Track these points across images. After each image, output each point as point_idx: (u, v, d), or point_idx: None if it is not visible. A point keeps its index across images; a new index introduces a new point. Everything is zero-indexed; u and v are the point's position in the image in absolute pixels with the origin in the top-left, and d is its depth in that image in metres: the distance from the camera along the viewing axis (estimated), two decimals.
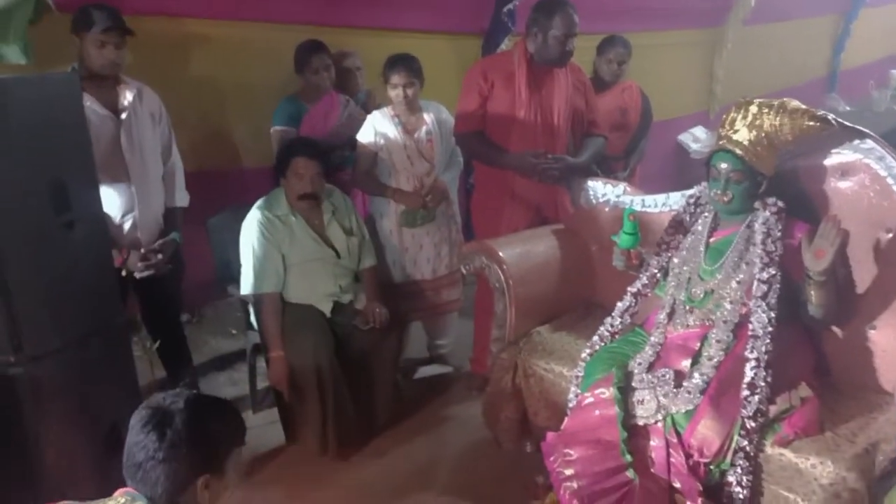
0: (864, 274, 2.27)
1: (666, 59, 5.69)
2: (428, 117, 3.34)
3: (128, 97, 2.77)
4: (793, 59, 7.03)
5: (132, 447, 1.38)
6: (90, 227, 2.34)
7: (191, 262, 3.19)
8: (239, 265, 3.04)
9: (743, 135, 2.19)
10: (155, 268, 2.80)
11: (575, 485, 2.12)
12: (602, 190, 2.94)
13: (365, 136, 3.31)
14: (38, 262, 2.17)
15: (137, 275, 2.78)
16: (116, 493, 1.38)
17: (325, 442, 2.93)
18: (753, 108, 2.19)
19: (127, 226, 2.79)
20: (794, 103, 2.15)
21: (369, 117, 3.35)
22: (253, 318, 3.11)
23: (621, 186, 2.92)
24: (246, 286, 2.98)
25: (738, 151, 2.18)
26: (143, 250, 2.79)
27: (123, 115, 2.75)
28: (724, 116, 2.26)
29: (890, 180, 2.17)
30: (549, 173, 2.98)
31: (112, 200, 2.72)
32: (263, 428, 3.14)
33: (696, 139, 6.34)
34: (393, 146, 3.28)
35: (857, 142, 2.23)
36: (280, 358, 2.90)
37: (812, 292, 2.14)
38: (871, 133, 2.22)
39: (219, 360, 3.87)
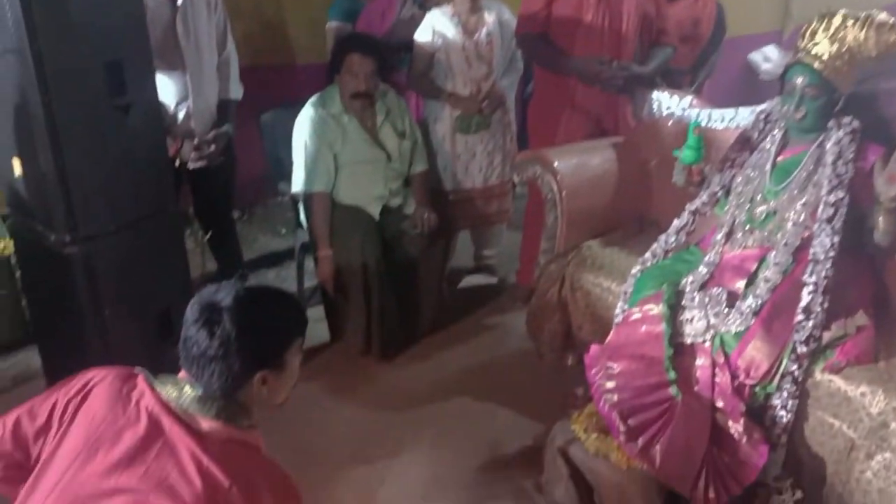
0: None
1: None
2: (489, 17, 3.21)
3: None
4: None
5: (186, 342, 1.33)
6: (145, 113, 2.34)
7: (243, 159, 3.20)
8: (290, 163, 3.03)
9: (823, 48, 2.05)
10: (208, 159, 2.81)
11: (615, 398, 2.10)
12: (667, 102, 2.82)
13: (423, 35, 3.21)
14: (94, 145, 2.19)
15: (190, 165, 2.79)
16: (180, 375, 1.36)
17: (368, 342, 2.97)
18: (837, 20, 2.04)
19: (181, 115, 2.80)
20: (883, 16, 2.00)
21: (428, 16, 3.24)
22: (302, 217, 3.12)
23: (688, 99, 2.80)
24: (297, 184, 2.98)
25: (817, 65, 2.04)
26: (196, 140, 2.79)
27: (179, 2, 2.71)
28: (805, 27, 2.11)
29: None
30: (613, 82, 2.86)
31: (167, 88, 2.71)
32: (309, 324, 3.14)
33: (768, 59, 6.03)
34: (451, 47, 3.17)
35: None
36: (328, 257, 2.92)
37: (880, 219, 2.03)
38: None
39: (268, 258, 3.93)
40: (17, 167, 2.27)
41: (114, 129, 2.22)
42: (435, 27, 3.18)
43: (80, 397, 1.32)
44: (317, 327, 3.16)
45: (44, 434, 1.31)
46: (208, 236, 3.05)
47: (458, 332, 3.23)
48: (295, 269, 3.41)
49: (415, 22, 3.32)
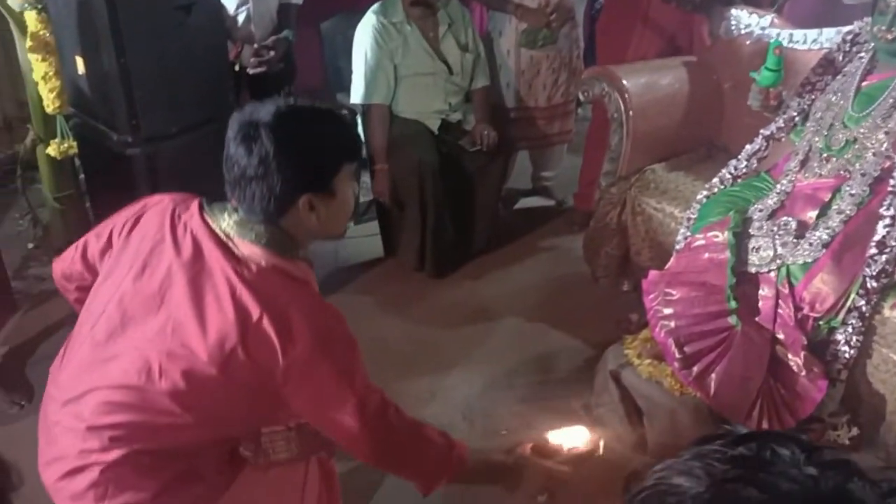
0: None
1: None
2: None
3: None
4: None
5: (226, 162, 1.23)
6: (206, 14, 2.31)
7: (301, 68, 3.15)
8: (350, 74, 2.98)
9: None
10: (267, 64, 2.77)
11: (672, 324, 2.07)
12: (746, 20, 2.66)
13: None
14: (155, 46, 2.17)
15: (250, 70, 2.76)
16: (231, 201, 1.28)
17: (422, 258, 2.97)
18: None
19: (241, 18, 2.76)
20: None
21: None
22: (360, 129, 3.08)
23: (768, 17, 2.64)
24: (356, 95, 2.94)
25: None
26: (256, 45, 2.76)
27: None
28: None
29: None
30: None
31: None
32: (364, 240, 3.21)
33: None
34: None
35: None
36: (384, 171, 2.90)
37: None
38: None
39: None
40: (80, 66, 2.27)
41: (176, 29, 2.20)
42: None
43: (135, 217, 1.32)
44: (371, 242, 3.17)
45: (106, 252, 1.33)
46: None
47: (513, 253, 3.20)
48: None
49: None
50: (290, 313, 1.19)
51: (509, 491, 1.47)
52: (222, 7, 2.54)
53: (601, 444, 1.52)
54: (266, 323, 1.17)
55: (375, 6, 2.91)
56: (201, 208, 1.28)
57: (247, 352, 1.17)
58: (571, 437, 1.51)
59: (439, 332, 2.70)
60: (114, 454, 1.20)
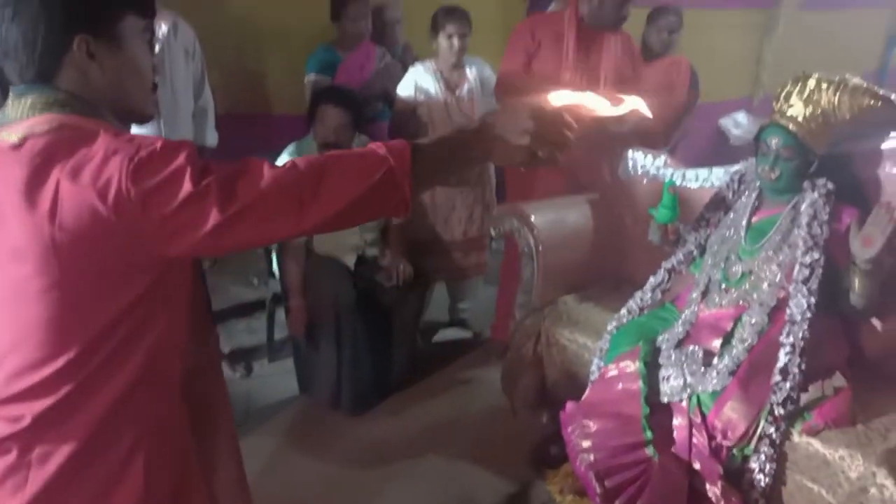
0: None
1: (712, 40, 5.53)
2: (470, 74, 3.26)
3: (162, 29, 2.72)
4: (844, 51, 6.81)
5: None
6: None
7: None
8: None
9: (797, 110, 2.08)
10: None
11: (591, 457, 2.06)
12: (642, 161, 2.84)
13: (405, 89, 3.24)
14: None
15: None
16: None
17: (338, 396, 2.91)
18: (811, 83, 2.08)
19: None
20: (856, 80, 2.04)
21: (411, 70, 3.27)
22: (275, 266, 3.07)
23: (662, 158, 2.83)
24: None
25: (792, 127, 2.07)
26: None
27: (156, 48, 2.69)
28: (780, 90, 2.15)
29: None
30: (590, 140, 2.89)
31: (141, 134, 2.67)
32: (278, 377, 3.13)
33: (738, 124, 6.18)
34: (433, 102, 3.21)
35: None
36: (300, 307, 2.87)
37: (856, 281, 2.04)
38: None
39: (238, 308, 3.86)
40: None
41: None
42: (417, 82, 3.21)
43: None
44: (285, 379, 3.09)
45: None
46: None
47: (431, 387, 3.17)
48: (265, 321, 3.35)
49: (390, 72, 3.34)
50: (93, 157, 0.98)
51: (502, 153, 1.17)
52: None
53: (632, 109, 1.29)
54: (66, 188, 0.97)
55: (290, 146, 2.98)
56: None
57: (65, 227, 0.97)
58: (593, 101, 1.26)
59: (357, 473, 2.61)
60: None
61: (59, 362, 1.03)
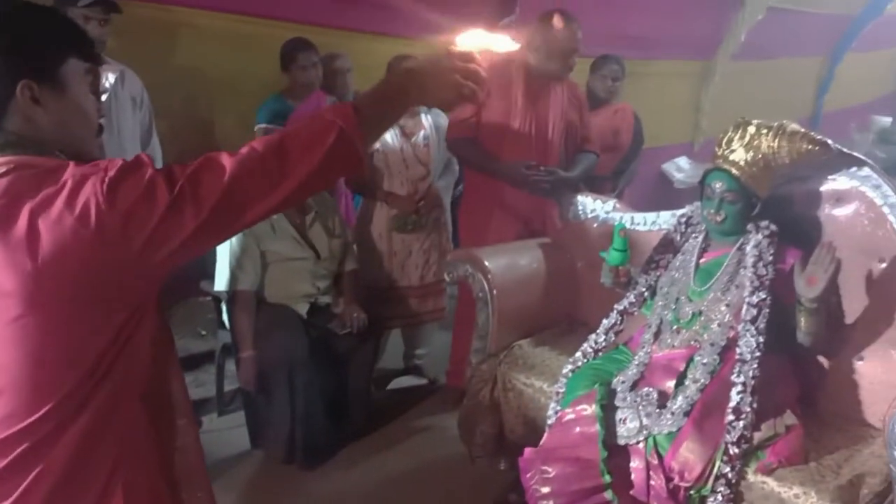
0: (854, 303, 2.24)
1: (654, 88, 5.71)
2: (426, 122, 3.31)
3: (109, 79, 2.69)
4: (778, 98, 7.10)
5: None
6: None
7: None
8: (214, 261, 2.95)
9: (739, 155, 2.16)
10: None
11: (551, 503, 2.05)
12: (591, 205, 2.89)
13: None
14: None
15: None
16: None
17: (292, 449, 2.84)
18: (752, 129, 2.16)
19: None
20: (794, 126, 2.13)
21: None
22: (225, 317, 3.01)
23: (611, 202, 2.88)
24: (221, 282, 2.89)
25: (734, 171, 2.14)
26: None
27: (103, 97, 2.66)
28: (721, 135, 2.23)
29: (885, 209, 2.15)
30: (540, 185, 2.94)
31: None
32: (228, 432, 3.05)
33: (680, 169, 6.36)
34: (389, 149, 3.24)
35: (853, 169, 2.21)
36: (251, 358, 2.81)
37: (802, 319, 2.10)
38: (869, 161, 2.20)
39: (186, 361, 3.75)
40: None
41: None
42: None
43: None
44: (236, 434, 3.01)
45: None
46: None
47: (387, 437, 3.12)
48: (214, 374, 3.27)
49: None
50: (61, 191, 1.00)
51: (433, 95, 1.25)
52: None
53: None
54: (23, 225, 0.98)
55: None
56: None
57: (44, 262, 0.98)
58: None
59: None
60: None
61: (44, 408, 1.03)
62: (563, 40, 2.93)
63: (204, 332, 4.02)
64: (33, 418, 1.03)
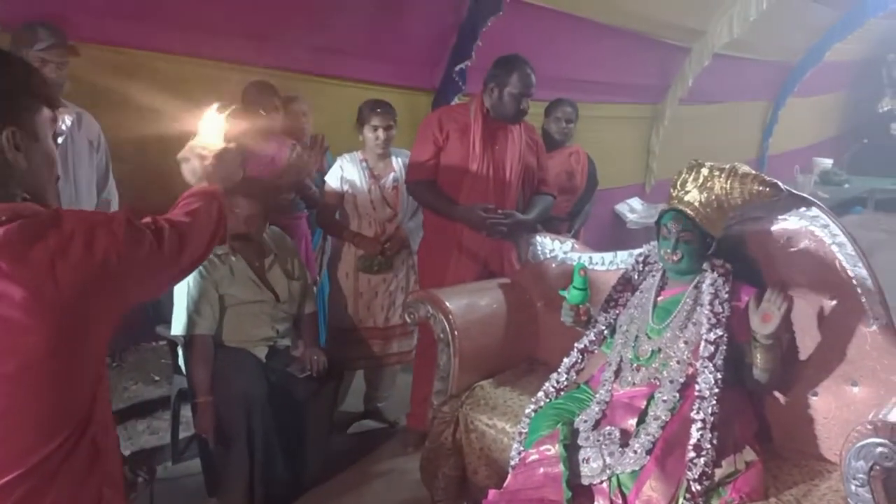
0: (807, 340, 2.30)
1: (606, 131, 5.85)
2: (396, 164, 3.34)
3: (66, 122, 2.67)
4: (725, 140, 7.34)
5: None
6: None
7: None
8: (170, 305, 2.89)
9: (694, 196, 2.22)
10: None
11: None
12: (550, 245, 2.93)
13: (332, 178, 3.32)
14: None
15: None
16: None
17: (251, 497, 2.76)
18: (705, 171, 2.23)
19: None
20: (745, 168, 2.20)
21: (338, 160, 3.35)
22: (181, 361, 2.95)
23: (569, 243, 2.93)
24: (178, 326, 2.83)
25: (689, 212, 2.20)
26: None
27: (59, 140, 2.63)
28: (675, 177, 2.29)
29: (834, 248, 2.22)
30: (498, 228, 2.97)
31: None
32: (184, 480, 2.96)
33: (633, 210, 6.50)
34: (358, 190, 3.28)
35: (803, 209, 2.28)
36: (208, 403, 2.74)
37: (758, 355, 2.15)
38: (817, 201, 2.28)
39: (139, 407, 3.66)
40: None
41: None
42: (343, 173, 3.29)
43: None
44: (192, 482, 2.92)
45: None
46: None
47: (348, 481, 3.06)
48: (169, 420, 3.18)
49: (302, 164, 3.35)
50: (70, 240, 1.13)
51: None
52: None
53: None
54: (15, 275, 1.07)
55: None
56: None
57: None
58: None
59: None
60: None
61: (51, 445, 1.13)
62: (514, 85, 2.99)
63: (157, 378, 3.93)
64: (37, 458, 1.12)
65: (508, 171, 3.10)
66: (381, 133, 3.24)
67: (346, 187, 3.28)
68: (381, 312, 3.34)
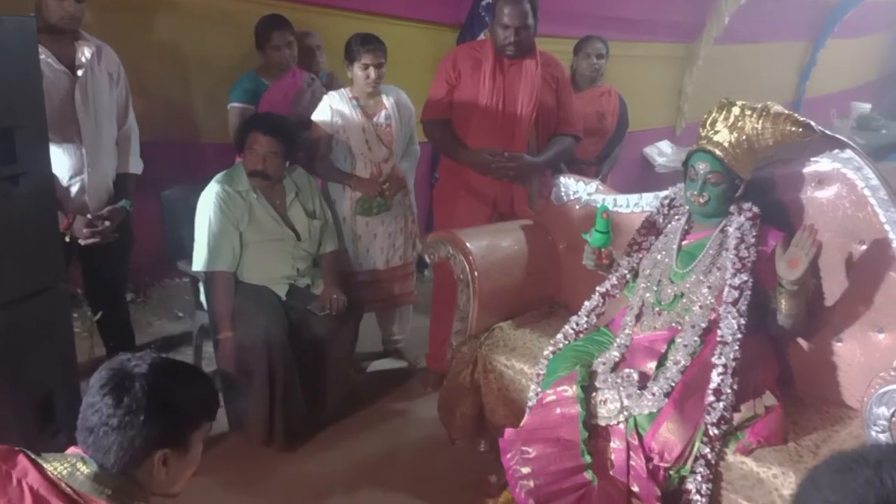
0: (833, 286, 2.25)
1: (637, 71, 5.68)
2: (387, 101, 3.22)
3: (86, 54, 2.64)
4: (761, 82, 7.10)
5: (86, 409, 1.24)
6: (36, 185, 2.20)
7: (141, 238, 3.05)
8: (192, 242, 2.90)
9: (723, 136, 2.15)
10: (101, 235, 2.66)
11: (531, 483, 2.04)
12: (574, 187, 2.88)
13: (321, 115, 3.16)
14: None
15: (82, 241, 2.64)
16: (69, 451, 1.25)
17: (270, 431, 2.81)
18: (736, 110, 2.15)
19: (75, 189, 2.65)
20: (777, 107, 2.12)
21: (325, 98, 3.20)
22: (203, 297, 2.97)
23: (593, 184, 2.87)
24: (198, 262, 2.85)
25: (718, 152, 2.13)
26: (89, 215, 2.65)
27: (80, 73, 2.61)
28: (706, 116, 2.21)
29: (867, 191, 2.15)
30: (504, 172, 2.92)
31: (61, 161, 2.58)
32: None
33: (662, 153, 6.36)
34: (351, 129, 3.14)
35: (836, 151, 2.21)
36: (229, 339, 2.77)
37: (783, 301, 2.10)
38: (851, 143, 2.20)
39: (162, 342, 3.71)
40: None
41: (1, 200, 2.07)
42: (333, 108, 3.15)
43: None
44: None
45: None
46: (97, 318, 2.86)
47: (366, 419, 3.10)
48: (192, 355, 3.23)
49: (314, 99, 3.30)
50: None
51: None
52: (54, 177, 2.43)
53: None
54: None
55: (219, 175, 2.90)
56: (33, 461, 1.21)
57: None
58: None
59: None
60: None
61: None
62: (503, 17, 2.90)
63: (181, 314, 3.98)
64: None
65: (519, 109, 3.00)
66: (371, 72, 3.07)
67: (337, 123, 3.14)
68: (381, 255, 3.29)
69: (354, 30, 3.23)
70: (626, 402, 2.07)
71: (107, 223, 2.68)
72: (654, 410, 2.03)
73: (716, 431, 1.97)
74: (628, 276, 2.41)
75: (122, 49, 2.86)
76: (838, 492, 0.61)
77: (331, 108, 3.15)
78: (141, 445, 1.22)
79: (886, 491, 0.58)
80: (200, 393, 1.34)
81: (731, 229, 2.20)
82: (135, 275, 3.22)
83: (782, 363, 2.29)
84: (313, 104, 3.26)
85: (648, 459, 2.01)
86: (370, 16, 3.96)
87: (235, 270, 2.88)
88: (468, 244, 2.65)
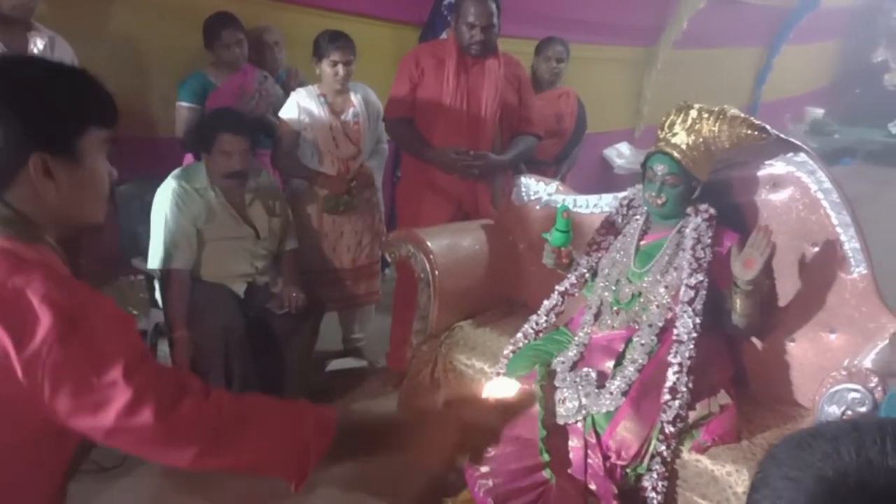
0: (787, 286, 2.29)
1: (597, 74, 5.74)
2: (355, 99, 3.20)
3: (38, 45, 2.57)
4: (717, 86, 7.23)
5: None
6: None
7: (91, 235, 2.97)
8: (146, 239, 2.85)
9: (681, 138, 2.18)
10: None
11: (490, 482, 2.05)
12: (535, 187, 2.89)
13: (288, 112, 3.13)
14: None
15: None
16: None
17: None
18: (693, 113, 2.18)
19: None
20: (734, 111, 2.15)
21: (293, 94, 3.17)
22: (158, 295, 2.92)
23: (554, 185, 2.89)
24: (154, 260, 2.79)
25: (676, 154, 2.16)
26: None
27: None
28: (664, 119, 2.24)
29: (819, 194, 2.20)
30: (469, 171, 2.93)
31: None
32: None
33: (621, 154, 6.43)
34: (318, 126, 3.12)
35: (790, 155, 2.25)
36: (185, 338, 2.72)
37: (737, 301, 2.14)
38: (805, 147, 2.25)
39: None
40: None
41: None
42: (301, 105, 3.12)
43: None
44: None
45: None
46: None
47: None
48: None
49: (269, 98, 3.26)
50: (22, 298, 0.95)
51: (421, 456, 1.21)
52: None
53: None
54: None
55: (176, 172, 2.84)
56: None
57: None
58: (499, 389, 1.28)
59: None
60: None
61: None
62: (466, 15, 2.91)
63: (135, 312, 3.89)
64: None
65: (484, 108, 3.01)
66: (340, 69, 3.06)
67: (304, 120, 3.11)
68: (348, 253, 3.26)
69: (316, 25, 3.19)
70: (584, 400, 2.09)
71: None
72: (612, 409, 2.05)
73: (671, 430, 2.00)
74: (587, 275, 2.43)
75: (76, 41, 2.78)
76: (797, 466, 0.62)
77: (298, 105, 3.12)
78: (5, 146, 1.01)
79: (844, 464, 0.60)
80: (73, 85, 1.08)
81: (687, 230, 2.23)
82: (87, 271, 3.13)
83: (737, 362, 2.33)
84: (263, 103, 3.23)
85: (606, 458, 2.03)
86: (332, 12, 3.92)
87: (192, 268, 2.83)
88: (429, 243, 2.64)
